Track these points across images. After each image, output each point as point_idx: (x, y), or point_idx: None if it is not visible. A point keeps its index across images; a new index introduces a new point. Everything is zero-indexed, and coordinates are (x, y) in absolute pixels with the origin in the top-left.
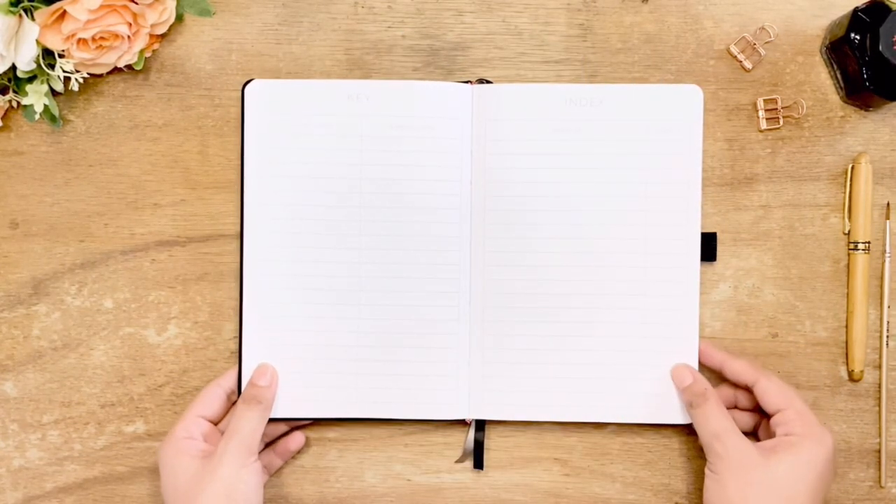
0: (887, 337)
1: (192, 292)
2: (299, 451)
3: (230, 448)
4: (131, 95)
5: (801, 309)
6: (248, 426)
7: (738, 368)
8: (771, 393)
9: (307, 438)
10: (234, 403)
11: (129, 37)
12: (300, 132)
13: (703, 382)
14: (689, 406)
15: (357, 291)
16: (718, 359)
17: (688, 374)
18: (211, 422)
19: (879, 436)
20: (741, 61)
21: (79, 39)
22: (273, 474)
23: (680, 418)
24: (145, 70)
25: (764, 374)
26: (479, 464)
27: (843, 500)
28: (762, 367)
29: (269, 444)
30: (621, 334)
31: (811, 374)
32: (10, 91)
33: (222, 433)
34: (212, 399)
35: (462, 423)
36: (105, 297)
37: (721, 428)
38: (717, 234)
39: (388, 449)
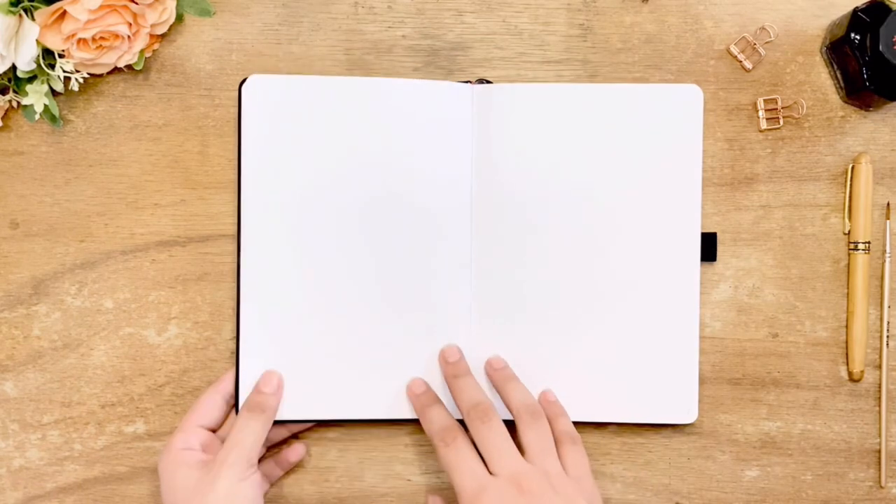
0: (887, 337)
1: (192, 292)
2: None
3: (230, 460)
4: (131, 95)
5: (801, 309)
6: (251, 438)
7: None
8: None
9: (307, 439)
10: (232, 407)
11: (129, 37)
12: (298, 130)
13: None
14: None
15: (356, 291)
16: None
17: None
18: (210, 429)
19: (879, 436)
20: (741, 61)
21: (79, 39)
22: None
23: (680, 418)
24: (145, 70)
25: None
26: None
27: (843, 500)
28: (437, 438)
29: (269, 450)
30: (621, 334)
31: (811, 374)
32: (10, 91)
33: (222, 441)
34: (210, 407)
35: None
36: (105, 297)
37: None
38: (717, 234)
39: (388, 449)
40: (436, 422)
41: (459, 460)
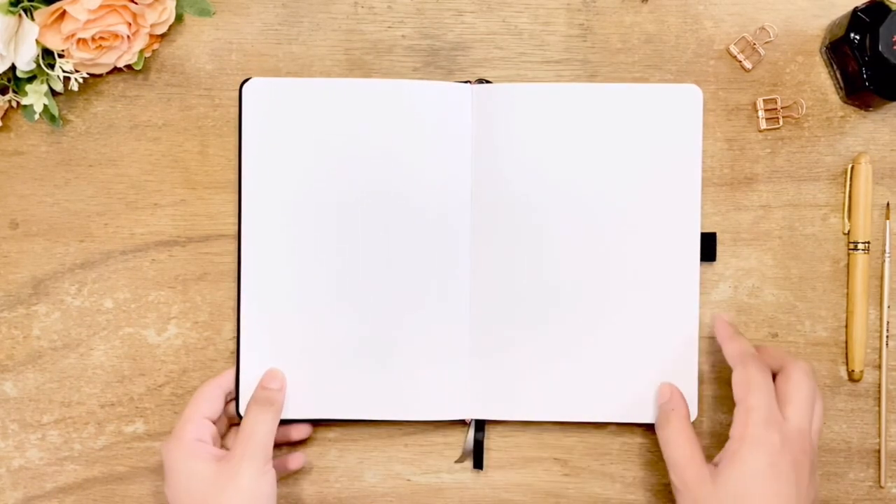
0: (887, 337)
1: (192, 292)
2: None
3: (248, 454)
4: (131, 95)
5: (801, 309)
6: (264, 429)
7: (727, 351)
8: (734, 385)
9: (306, 438)
10: (228, 403)
11: (128, 37)
12: (298, 131)
13: (675, 403)
14: (657, 426)
15: (356, 291)
16: (722, 335)
17: (667, 391)
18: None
19: (879, 436)
20: (741, 61)
21: (78, 39)
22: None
23: None
24: (145, 70)
25: (742, 363)
26: (479, 464)
27: (843, 500)
28: (753, 355)
29: None
30: (621, 334)
31: None
32: (10, 91)
33: (221, 435)
34: (213, 400)
35: (462, 423)
36: (105, 297)
37: (676, 458)
38: (717, 234)
39: (388, 449)
40: (737, 347)
41: (763, 379)
